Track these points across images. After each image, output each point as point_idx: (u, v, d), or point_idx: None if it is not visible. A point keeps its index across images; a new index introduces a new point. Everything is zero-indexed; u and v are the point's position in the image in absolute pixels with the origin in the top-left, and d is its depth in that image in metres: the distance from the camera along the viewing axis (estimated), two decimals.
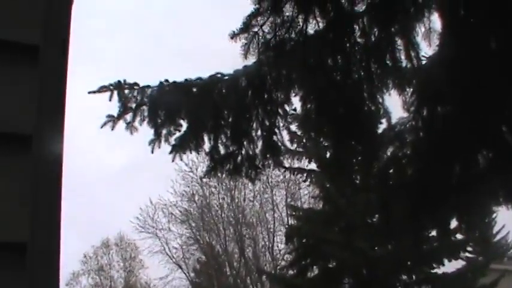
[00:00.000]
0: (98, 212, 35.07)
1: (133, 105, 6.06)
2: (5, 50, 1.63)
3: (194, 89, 6.08)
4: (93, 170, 36.48)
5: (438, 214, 6.21)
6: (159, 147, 6.13)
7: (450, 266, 16.47)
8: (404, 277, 16.11)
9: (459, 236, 15.45)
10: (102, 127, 6.11)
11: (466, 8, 5.16)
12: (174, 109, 6.09)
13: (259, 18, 5.61)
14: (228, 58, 5.95)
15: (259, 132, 6.14)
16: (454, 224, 6.85)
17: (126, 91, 6.07)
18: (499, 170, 5.54)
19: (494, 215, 18.83)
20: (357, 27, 5.58)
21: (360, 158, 7.29)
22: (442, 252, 15.98)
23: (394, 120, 6.06)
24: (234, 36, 5.66)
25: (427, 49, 5.60)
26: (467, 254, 17.93)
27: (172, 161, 6.24)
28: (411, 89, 5.79)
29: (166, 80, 6.13)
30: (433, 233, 8.45)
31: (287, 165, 18.06)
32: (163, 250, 31.30)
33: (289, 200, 29.36)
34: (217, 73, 6.09)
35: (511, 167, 5.39)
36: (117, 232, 35.48)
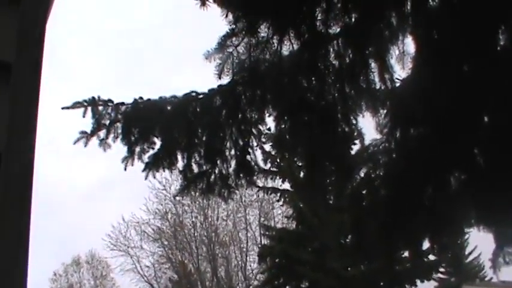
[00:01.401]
0: (69, 229, 34.76)
1: (107, 122, 6.03)
2: None
3: (168, 107, 6.07)
4: (65, 187, 36.20)
5: (410, 235, 6.24)
6: (132, 165, 6.09)
7: (423, 287, 16.55)
8: None
9: (432, 257, 15.57)
10: (75, 143, 6.07)
11: (439, 32, 5.22)
12: (148, 127, 6.07)
13: (234, 39, 5.63)
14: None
15: (232, 152, 6.14)
16: (426, 245, 6.88)
17: (100, 108, 6.03)
18: (470, 191, 5.59)
19: (466, 236, 18.97)
20: (331, 49, 5.63)
21: (333, 178, 7.31)
22: (414, 273, 16.06)
23: (367, 142, 6.10)
24: (208, 56, 5.67)
25: (400, 72, 5.66)
26: (439, 275, 18.05)
27: (146, 178, 6.21)
28: (385, 111, 5.84)
29: (141, 98, 6.11)
30: (406, 253, 8.48)
31: (261, 184, 18.12)
32: (135, 268, 31.12)
33: (262, 219, 29.38)
34: (192, 91, 6.08)
35: (482, 189, 5.44)
36: (88, 250, 35.17)
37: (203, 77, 6.27)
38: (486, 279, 23.45)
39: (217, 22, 5.47)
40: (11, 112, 1.64)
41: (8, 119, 1.64)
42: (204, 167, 6.18)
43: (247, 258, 29.94)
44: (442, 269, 18.14)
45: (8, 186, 1.60)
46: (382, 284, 16.00)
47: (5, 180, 1.59)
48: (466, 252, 24.04)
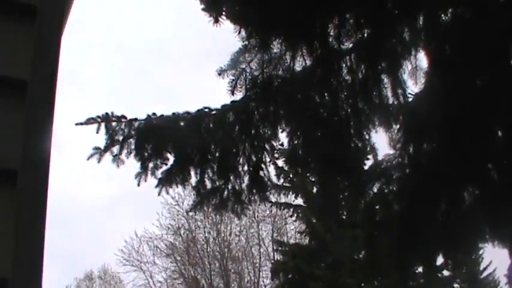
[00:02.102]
0: (82, 244, 34.76)
1: (121, 138, 6.05)
2: None
3: (182, 123, 6.08)
4: (78, 202, 36.27)
5: (424, 250, 6.20)
6: (146, 181, 6.10)
7: None
8: None
9: (446, 273, 15.46)
10: (88, 159, 6.08)
11: (451, 46, 5.22)
12: (161, 142, 6.08)
13: (247, 55, 5.66)
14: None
15: (245, 167, 6.14)
16: (440, 260, 6.84)
17: (114, 123, 6.05)
18: (485, 206, 5.56)
19: (481, 252, 18.83)
20: (344, 65, 5.64)
21: (346, 193, 7.29)
22: None
23: (380, 157, 6.09)
24: (221, 72, 5.70)
25: (413, 87, 5.66)
26: None
27: (159, 194, 6.21)
28: (398, 126, 5.84)
29: (154, 114, 6.13)
30: (420, 269, 8.43)
31: (273, 200, 18.08)
32: (147, 284, 31.02)
33: (275, 235, 29.26)
34: (205, 107, 6.10)
35: (496, 204, 5.41)
36: (101, 264, 35.13)
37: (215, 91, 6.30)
38: None
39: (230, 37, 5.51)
40: (26, 128, 1.66)
41: (23, 136, 1.65)
42: (217, 183, 6.19)
43: (260, 273, 29.84)
44: (456, 285, 17.99)
45: (24, 202, 1.62)
46: None
47: (21, 196, 1.60)
48: (481, 268, 23.82)
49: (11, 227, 1.55)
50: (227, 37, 5.56)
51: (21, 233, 1.58)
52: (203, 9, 5.55)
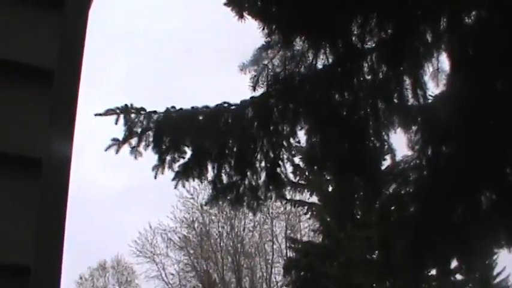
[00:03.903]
0: (97, 233, 34.88)
1: (139, 130, 6.07)
2: (20, 73, 1.65)
3: (200, 117, 6.09)
4: (93, 191, 36.40)
5: (439, 253, 6.19)
6: (163, 173, 6.12)
7: None
8: None
9: (459, 277, 15.38)
10: (106, 150, 6.12)
11: (474, 49, 5.20)
12: (179, 136, 6.10)
13: (269, 52, 5.66)
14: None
15: (263, 164, 6.14)
16: (454, 264, 6.82)
17: (133, 115, 6.08)
18: (501, 211, 5.53)
19: (495, 257, 18.72)
20: (366, 64, 5.62)
21: (362, 193, 7.28)
22: None
23: (398, 158, 6.07)
24: (243, 68, 5.70)
25: (434, 89, 5.64)
26: None
27: (175, 187, 6.23)
28: (416, 128, 5.81)
29: (173, 107, 6.15)
30: (433, 272, 8.40)
31: (288, 197, 18.07)
32: (159, 276, 31.11)
33: (288, 232, 29.25)
34: (224, 102, 6.11)
35: None
36: (114, 255, 35.28)
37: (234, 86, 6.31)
38: None
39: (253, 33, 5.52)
40: (52, 118, 1.67)
41: (48, 126, 1.66)
42: (234, 178, 6.20)
43: (272, 270, 29.82)
44: None
45: (47, 191, 1.63)
46: None
47: (44, 187, 1.62)
48: (495, 273, 23.68)
49: (35, 215, 1.57)
50: (250, 34, 5.57)
51: (44, 221, 1.60)
52: (225, 4, 5.55)
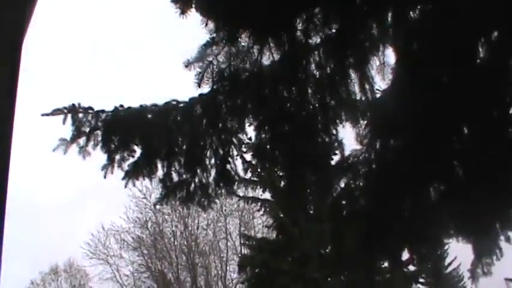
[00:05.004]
0: (47, 237, 34.41)
1: (87, 130, 6.00)
2: None
3: (149, 115, 6.05)
4: (43, 194, 35.92)
5: (390, 245, 6.24)
6: (112, 173, 6.06)
7: None
8: None
9: (411, 268, 15.61)
10: (54, 151, 6.02)
11: (419, 43, 5.25)
12: (128, 135, 6.05)
13: (214, 48, 5.64)
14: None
15: (212, 161, 6.13)
16: (406, 255, 6.90)
17: (80, 115, 6.00)
18: (450, 202, 5.61)
19: (446, 247, 19.05)
20: (312, 59, 5.64)
21: (313, 188, 7.32)
22: (394, 283, 16.07)
23: (347, 152, 6.12)
24: (188, 64, 5.68)
25: (381, 82, 5.69)
26: (419, 286, 18.10)
27: (125, 187, 6.18)
28: (365, 122, 5.86)
29: (121, 105, 6.09)
30: (386, 264, 8.51)
31: (241, 194, 18.13)
32: (114, 277, 30.92)
33: (242, 229, 29.33)
34: (173, 100, 6.07)
35: (461, 200, 5.46)
36: (66, 258, 34.83)
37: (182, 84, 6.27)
38: None
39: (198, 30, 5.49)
40: None
41: None
42: (184, 176, 6.17)
43: (227, 267, 29.89)
44: (422, 280, 18.19)
45: None
46: None
47: None
48: (446, 263, 24.12)
49: None
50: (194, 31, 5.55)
51: None
52: (172, 1, 5.51)
